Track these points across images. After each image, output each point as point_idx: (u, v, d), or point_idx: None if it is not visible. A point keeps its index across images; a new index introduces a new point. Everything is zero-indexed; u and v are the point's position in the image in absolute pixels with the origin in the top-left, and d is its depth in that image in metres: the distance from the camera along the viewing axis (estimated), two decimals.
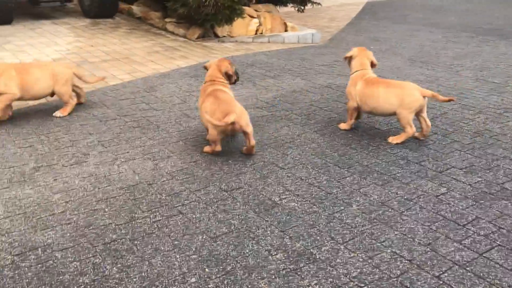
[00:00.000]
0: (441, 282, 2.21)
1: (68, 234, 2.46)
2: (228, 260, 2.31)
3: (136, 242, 2.43)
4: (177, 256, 2.33)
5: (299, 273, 2.24)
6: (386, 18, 12.26)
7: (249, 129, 3.32)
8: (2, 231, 2.47)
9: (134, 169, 3.18)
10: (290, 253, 2.39)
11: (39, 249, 2.34)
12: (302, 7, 9.45)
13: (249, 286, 2.15)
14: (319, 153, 3.55)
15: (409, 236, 2.55)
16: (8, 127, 3.76)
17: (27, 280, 2.12)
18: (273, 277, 2.21)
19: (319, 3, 9.54)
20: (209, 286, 2.14)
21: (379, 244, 2.48)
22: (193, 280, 2.17)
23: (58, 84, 3.96)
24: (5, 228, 2.49)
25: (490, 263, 2.34)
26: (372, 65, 4.00)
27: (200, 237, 2.49)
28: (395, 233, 2.58)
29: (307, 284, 2.17)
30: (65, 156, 3.33)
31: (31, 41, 6.79)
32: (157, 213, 2.69)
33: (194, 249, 2.39)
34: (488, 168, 3.37)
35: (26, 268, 2.20)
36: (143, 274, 2.20)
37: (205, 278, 2.18)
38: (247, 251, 2.39)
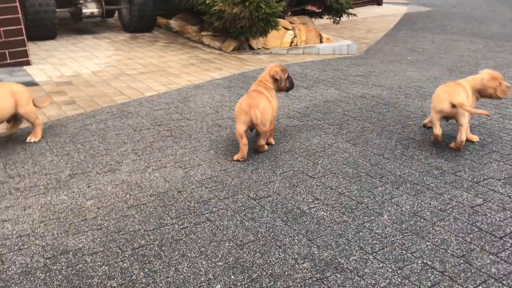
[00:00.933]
0: None
1: (99, 239, 2.51)
2: (254, 268, 2.30)
3: (164, 248, 2.45)
4: (204, 263, 2.33)
5: (325, 282, 2.20)
6: (424, 29, 12.06)
7: (263, 129, 3.46)
8: (36, 235, 2.54)
9: (165, 177, 3.23)
10: (317, 262, 2.35)
11: (70, 253, 2.39)
12: (338, 19, 9.42)
13: None
14: (351, 163, 3.49)
15: (442, 247, 2.47)
16: (47, 136, 3.90)
17: (57, 283, 2.18)
18: (299, 286, 2.18)
19: (354, 14, 9.49)
20: None
21: (409, 254, 2.41)
22: (218, 286, 2.17)
23: (21, 105, 3.68)
24: (39, 232, 2.57)
25: None
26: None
27: (227, 244, 2.49)
28: (427, 244, 2.50)
29: None
30: (100, 164, 3.41)
31: (72, 55, 7.05)
32: (185, 220, 2.71)
33: (220, 256, 2.39)
34: None
35: (57, 271, 2.26)
36: (169, 279, 2.21)
37: (230, 285, 2.18)
38: (273, 259, 2.37)
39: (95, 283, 2.18)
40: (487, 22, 13.51)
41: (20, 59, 6.14)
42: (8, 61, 6.05)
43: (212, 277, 2.23)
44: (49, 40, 8.25)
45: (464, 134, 3.58)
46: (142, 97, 5.02)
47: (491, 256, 2.40)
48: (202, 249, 2.45)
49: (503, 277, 2.23)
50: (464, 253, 2.42)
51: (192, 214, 2.77)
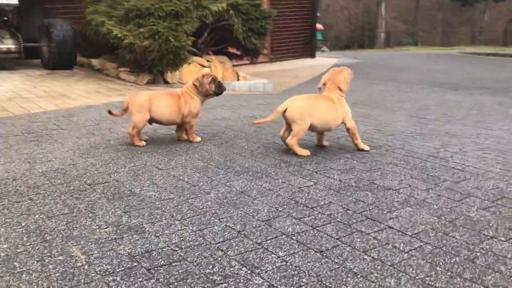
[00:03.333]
0: (260, 246, 2.18)
1: None
2: (52, 233, 2.29)
3: None
4: (2, 230, 2.30)
5: (118, 241, 2.22)
6: None
7: (132, 117, 3.90)
8: None
9: (8, 169, 3.20)
10: (121, 227, 2.37)
11: None
12: (255, 58, 9.86)
13: (60, 250, 2.12)
14: (206, 159, 3.58)
15: (251, 214, 2.55)
16: None
17: None
18: (89, 244, 2.18)
19: (271, 56, 9.96)
20: (18, 250, 2.11)
21: (216, 220, 2.47)
22: (5, 246, 2.14)
23: None
24: None
25: (318, 234, 2.33)
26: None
27: (37, 216, 2.47)
28: (239, 212, 2.57)
29: (121, 249, 2.14)
30: None
31: None
32: (6, 199, 2.68)
33: (23, 225, 2.37)
34: (368, 170, 3.40)
35: None
36: None
37: (17, 244, 2.15)
38: (77, 226, 2.37)
39: None
40: (408, 71, 14.41)
41: None
42: None
43: (3, 240, 2.20)
44: None
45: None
46: (26, 113, 5.01)
47: (294, 220, 2.49)
48: (8, 220, 2.42)
49: (295, 234, 2.32)
50: (270, 218, 2.50)
51: (16, 196, 2.75)
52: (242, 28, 8.95)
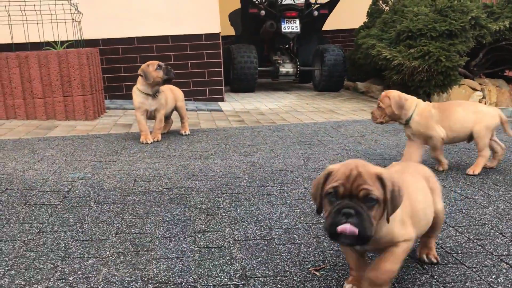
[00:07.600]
0: None
1: (209, 184, 2.96)
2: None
3: (256, 196, 2.75)
4: (283, 208, 2.55)
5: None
6: None
7: None
8: (165, 177, 3.13)
9: (285, 163, 3.56)
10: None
11: (183, 188, 2.89)
12: None
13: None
14: (481, 174, 3.26)
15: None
16: (209, 134, 4.61)
17: (166, 199, 2.66)
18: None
19: None
20: (297, 226, 2.29)
21: (498, 233, 2.20)
22: (286, 221, 2.35)
23: (178, 100, 4.56)
24: (169, 176, 3.14)
25: None
26: None
27: (311, 203, 2.66)
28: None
29: None
30: (238, 151, 3.95)
31: (260, 100, 8.07)
32: (286, 186, 2.97)
33: (300, 207, 2.57)
34: None
35: (167, 196, 2.76)
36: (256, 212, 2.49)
37: (296, 222, 2.34)
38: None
39: (239, 197, 2.60)
40: None
41: (216, 96, 7.36)
42: (207, 96, 7.32)
43: (284, 216, 2.43)
44: (248, 92, 9.56)
45: None
46: (300, 122, 5.51)
47: None
48: (288, 201, 2.68)
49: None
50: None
51: (293, 184, 3.02)
52: None
